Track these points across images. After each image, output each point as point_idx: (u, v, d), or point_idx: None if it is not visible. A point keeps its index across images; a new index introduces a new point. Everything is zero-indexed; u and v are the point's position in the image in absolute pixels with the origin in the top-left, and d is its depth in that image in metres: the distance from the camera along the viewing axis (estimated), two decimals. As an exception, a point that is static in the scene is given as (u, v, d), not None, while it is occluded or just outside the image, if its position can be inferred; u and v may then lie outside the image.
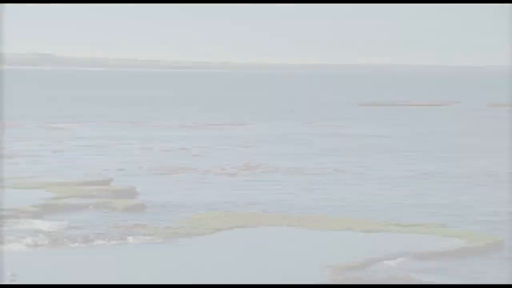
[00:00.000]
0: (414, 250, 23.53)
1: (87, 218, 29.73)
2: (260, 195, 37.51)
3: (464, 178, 43.98)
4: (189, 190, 38.75)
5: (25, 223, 28.20)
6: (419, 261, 22.82)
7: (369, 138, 69.43)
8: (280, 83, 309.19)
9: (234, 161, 50.34)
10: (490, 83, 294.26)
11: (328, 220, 28.26)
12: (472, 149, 60.75)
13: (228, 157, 53.24)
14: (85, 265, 21.73)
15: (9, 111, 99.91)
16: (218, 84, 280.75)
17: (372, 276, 20.86)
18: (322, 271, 21.14)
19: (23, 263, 21.35)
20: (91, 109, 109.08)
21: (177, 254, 23.14)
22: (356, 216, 31.62)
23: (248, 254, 23.18)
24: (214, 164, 48.95)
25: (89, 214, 30.63)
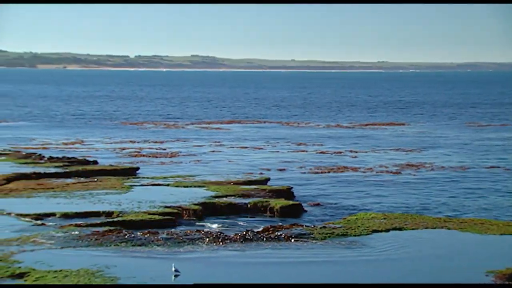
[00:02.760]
0: None
1: (245, 218, 30.24)
2: (421, 195, 36.56)
3: None
4: (347, 189, 38.44)
5: (186, 222, 29.13)
6: None
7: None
8: (435, 82, 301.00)
9: (395, 160, 49.52)
10: None
11: (492, 224, 27.03)
12: None
13: (388, 156, 52.46)
14: (245, 265, 22.02)
15: (170, 111, 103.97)
16: (376, 83, 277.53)
17: (539, 284, 19.72)
18: (486, 277, 20.27)
19: (183, 260, 22.01)
20: (247, 109, 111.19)
21: (334, 255, 22.98)
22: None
23: (406, 257, 22.63)
24: (375, 163, 48.36)
25: (247, 214, 31.12)
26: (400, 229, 26.24)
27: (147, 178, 39.06)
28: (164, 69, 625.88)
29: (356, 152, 55.16)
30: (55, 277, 19.79)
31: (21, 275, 20.05)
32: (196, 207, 30.64)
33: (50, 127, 76.33)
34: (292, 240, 24.49)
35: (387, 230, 26.04)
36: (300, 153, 54.47)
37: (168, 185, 36.51)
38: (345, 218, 28.77)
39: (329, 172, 44.42)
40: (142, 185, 36.41)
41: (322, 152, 54.96)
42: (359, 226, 26.43)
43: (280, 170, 45.06)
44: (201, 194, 33.60)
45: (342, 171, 44.80)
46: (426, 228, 26.43)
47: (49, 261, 21.42)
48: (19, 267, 20.65)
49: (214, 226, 28.21)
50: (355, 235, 25.23)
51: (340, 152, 54.75)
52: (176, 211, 29.70)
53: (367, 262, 21.97)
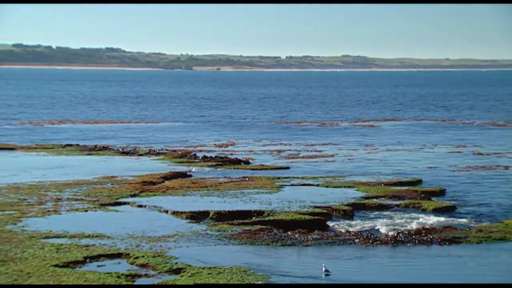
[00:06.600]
0: None
1: (396, 220, 29.70)
2: None
3: None
4: (504, 190, 36.84)
5: (336, 222, 29.06)
6: None
7: None
8: None
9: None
10: None
11: None
12: None
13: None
14: (390, 270, 21.68)
15: (326, 110, 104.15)
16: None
17: None
18: None
19: (334, 261, 21.99)
20: (403, 109, 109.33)
21: (493, 260, 22.14)
22: None
23: None
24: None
25: (398, 215, 30.56)
26: None
27: (297, 178, 39.38)
28: (314, 70, 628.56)
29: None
30: (209, 273, 20.38)
31: (177, 271, 20.81)
32: (346, 207, 30.50)
33: (205, 128, 78.64)
34: (446, 244, 23.82)
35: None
36: (456, 153, 52.72)
37: (317, 185, 36.62)
38: (503, 222, 27.63)
39: (483, 172, 42.77)
40: (292, 185, 36.75)
41: (478, 151, 53.05)
42: (518, 231, 25.30)
43: (434, 170, 43.85)
44: (351, 195, 33.44)
45: (495, 171, 43.04)
46: None
47: (203, 257, 22.10)
48: (176, 263, 21.46)
49: (364, 227, 27.94)
50: (513, 240, 24.18)
51: (499, 153, 52.49)
52: (326, 211, 29.72)
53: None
